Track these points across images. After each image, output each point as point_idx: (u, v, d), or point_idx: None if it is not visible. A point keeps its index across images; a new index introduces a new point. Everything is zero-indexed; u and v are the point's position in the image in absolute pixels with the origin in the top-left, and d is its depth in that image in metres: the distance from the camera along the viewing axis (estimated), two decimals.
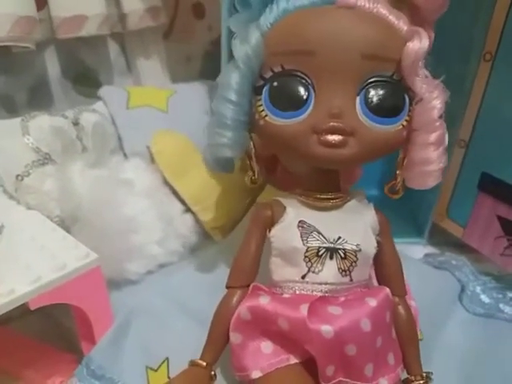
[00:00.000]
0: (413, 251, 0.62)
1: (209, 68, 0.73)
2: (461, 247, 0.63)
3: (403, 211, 0.69)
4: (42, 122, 0.50)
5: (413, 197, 0.69)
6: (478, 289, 0.57)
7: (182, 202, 0.56)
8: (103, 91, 0.60)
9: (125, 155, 0.58)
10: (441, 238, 0.66)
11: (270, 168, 0.53)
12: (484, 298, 0.56)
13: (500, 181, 0.56)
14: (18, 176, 0.48)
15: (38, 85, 0.58)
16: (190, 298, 0.49)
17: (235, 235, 0.55)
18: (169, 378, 0.42)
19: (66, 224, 0.48)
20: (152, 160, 0.57)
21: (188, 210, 0.56)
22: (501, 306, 0.54)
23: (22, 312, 0.47)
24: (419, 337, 0.42)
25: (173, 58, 0.70)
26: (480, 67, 0.55)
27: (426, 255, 0.63)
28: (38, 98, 0.58)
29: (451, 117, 0.57)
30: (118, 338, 0.45)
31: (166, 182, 0.56)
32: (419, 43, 0.34)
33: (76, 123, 0.53)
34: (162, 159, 0.55)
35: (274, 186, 0.53)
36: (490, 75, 0.55)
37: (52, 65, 0.59)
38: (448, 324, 0.51)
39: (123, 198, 0.49)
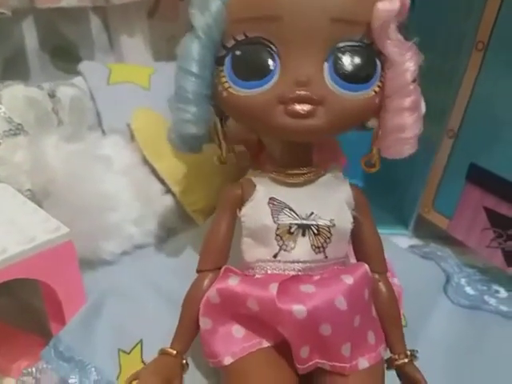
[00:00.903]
0: (398, 242, 0.61)
1: None
2: (446, 240, 0.62)
3: (389, 202, 0.68)
4: (15, 92, 0.48)
5: (398, 188, 0.68)
6: (463, 281, 0.56)
7: (162, 182, 0.54)
8: (83, 66, 0.58)
9: (103, 132, 0.56)
10: (426, 230, 0.65)
11: (253, 153, 0.51)
12: (469, 290, 0.55)
13: (488, 172, 0.55)
14: None
15: (14, 55, 0.56)
16: (166, 280, 0.47)
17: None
18: (142, 361, 0.40)
19: (37, 198, 0.45)
20: (132, 138, 0.55)
21: (168, 190, 0.54)
22: (485, 297, 0.54)
23: None
24: (403, 322, 0.40)
25: (156, 37, 0.68)
26: (472, 57, 0.54)
27: (411, 246, 0.62)
28: (14, 69, 0.56)
29: (441, 106, 0.58)
30: (90, 319, 0.42)
31: (146, 161, 0.54)
32: (389, 4, 0.32)
33: (52, 95, 0.50)
34: (142, 137, 0.53)
35: (256, 169, 0.51)
36: (482, 65, 0.54)
37: (30, 35, 0.57)
38: (433, 314, 0.50)
39: (100, 174, 0.47)
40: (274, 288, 0.33)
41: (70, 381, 0.39)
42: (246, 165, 0.54)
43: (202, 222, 0.55)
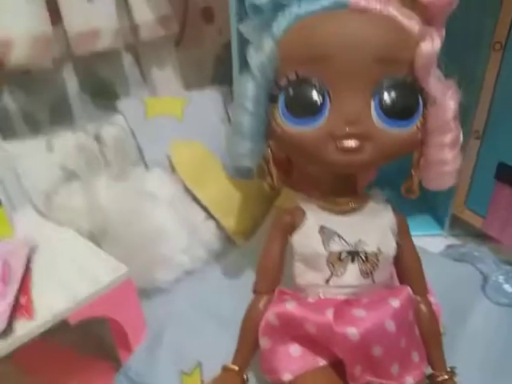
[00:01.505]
0: (434, 244, 0.62)
1: (220, 71, 0.73)
2: (482, 237, 0.63)
3: (422, 205, 0.69)
4: (65, 140, 0.52)
5: (431, 190, 0.69)
6: (501, 278, 0.57)
7: (204, 209, 0.57)
8: (121, 104, 0.61)
9: (146, 165, 0.59)
10: (461, 230, 0.66)
11: (286, 170, 0.54)
12: (507, 287, 0.56)
13: None
14: (46, 194, 0.50)
15: (58, 102, 0.60)
16: (218, 303, 0.51)
17: (257, 238, 0.57)
18: (202, 381, 0.44)
19: (96, 237, 0.49)
20: (172, 169, 0.58)
21: (210, 216, 0.57)
22: None
23: (61, 326, 0.50)
24: (441, 329, 0.42)
25: (185, 65, 0.70)
26: (491, 57, 0.55)
27: (448, 247, 0.63)
28: (59, 115, 0.60)
29: (464, 108, 0.58)
30: (153, 346, 0.46)
31: (188, 191, 0.57)
32: (431, 44, 0.34)
33: (98, 138, 0.54)
34: (182, 168, 0.57)
35: (290, 187, 0.53)
36: (501, 65, 0.55)
37: (70, 81, 0.60)
38: (472, 315, 0.51)
39: (148, 209, 0.51)
40: (330, 313, 0.35)
41: None
42: (279, 187, 0.56)
43: (242, 242, 0.58)
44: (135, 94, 0.66)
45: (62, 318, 0.39)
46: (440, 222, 0.67)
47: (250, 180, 0.58)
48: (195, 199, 0.57)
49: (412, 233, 0.62)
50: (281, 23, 0.35)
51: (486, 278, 0.56)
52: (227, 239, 0.58)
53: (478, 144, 0.60)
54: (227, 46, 0.73)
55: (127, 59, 0.65)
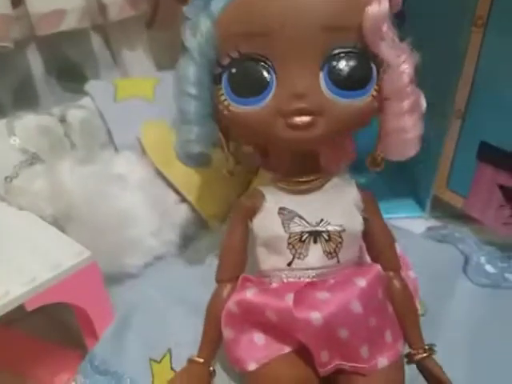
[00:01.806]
0: (415, 225, 0.61)
1: None
2: (463, 219, 0.62)
3: (403, 187, 0.68)
4: (27, 122, 0.50)
5: (412, 171, 0.68)
6: (483, 259, 0.56)
7: (176, 191, 0.55)
8: (89, 86, 0.59)
9: (115, 149, 0.57)
10: (443, 211, 0.65)
11: (262, 152, 0.52)
12: (489, 268, 0.55)
13: (499, 149, 0.55)
14: (6, 178, 0.48)
15: (23, 84, 0.57)
16: (189, 289, 0.48)
17: None
18: (172, 368, 0.42)
19: (60, 223, 0.47)
20: (143, 152, 0.56)
21: (183, 199, 0.55)
22: (506, 275, 0.54)
23: (24, 312, 0.48)
24: (420, 310, 0.41)
25: (156, 47, 0.68)
26: (472, 34, 0.53)
27: (429, 229, 0.62)
28: (24, 98, 0.58)
29: (446, 87, 0.57)
30: (120, 332, 0.44)
31: (159, 173, 0.55)
32: (378, 6, 0.32)
33: (63, 120, 0.52)
34: (153, 150, 0.55)
35: (267, 169, 0.52)
36: (483, 42, 0.53)
37: (35, 63, 0.58)
38: (454, 297, 0.50)
39: (116, 192, 0.49)
40: (289, 298, 0.33)
41: None
42: (255, 166, 0.55)
43: (217, 226, 0.56)
44: (105, 77, 0.64)
45: (18, 303, 0.37)
46: (421, 204, 0.66)
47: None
48: (167, 182, 0.55)
49: (393, 215, 0.62)
50: (219, 0, 0.33)
51: (467, 259, 0.55)
52: (201, 223, 0.56)
53: (459, 123, 0.59)
54: None
55: (96, 40, 0.63)
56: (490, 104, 0.54)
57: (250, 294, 0.35)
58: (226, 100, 0.34)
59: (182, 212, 0.54)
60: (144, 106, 0.59)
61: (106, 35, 0.64)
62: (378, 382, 0.35)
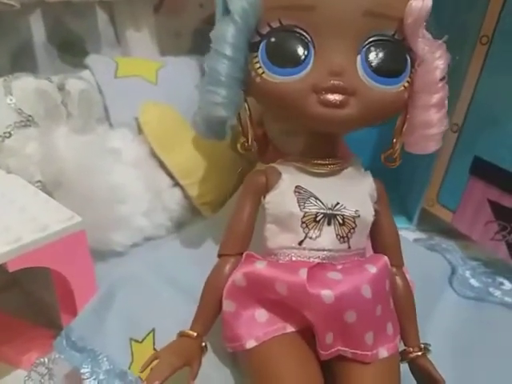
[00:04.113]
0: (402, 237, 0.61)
1: (198, 45, 0.71)
2: (450, 233, 0.63)
3: (393, 196, 0.67)
4: (25, 84, 0.48)
5: (403, 181, 0.69)
6: (468, 273, 0.56)
7: (170, 175, 0.54)
8: (90, 59, 0.58)
9: (110, 125, 0.55)
10: (430, 224, 0.65)
11: (260, 148, 0.52)
12: (473, 282, 0.55)
13: (492, 165, 0.56)
14: None
15: (22, 49, 0.56)
16: (177, 270, 0.47)
17: (225, 211, 0.54)
18: (154, 349, 0.40)
19: (48, 190, 0.45)
20: (139, 131, 0.55)
21: (176, 184, 0.54)
22: (490, 289, 0.54)
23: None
24: None
25: (162, 33, 0.68)
26: (476, 50, 0.55)
27: (415, 240, 0.62)
28: (22, 63, 0.56)
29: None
30: (101, 308, 0.42)
31: (154, 155, 0.54)
32: (422, 1, 0.33)
33: (61, 88, 0.50)
34: (151, 130, 0.53)
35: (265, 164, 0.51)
36: (486, 59, 0.55)
37: (38, 30, 0.56)
38: (439, 305, 0.50)
39: (109, 165, 0.47)
40: (303, 273, 0.33)
41: (82, 370, 0.38)
42: (253, 158, 0.54)
43: (210, 214, 0.55)
44: (107, 54, 0.62)
45: (1, 261, 0.35)
46: (409, 216, 0.67)
47: (221, 150, 0.55)
48: (161, 165, 0.54)
49: None
50: None
51: (453, 270, 0.56)
52: (193, 210, 0.55)
53: (455, 137, 0.60)
54: (207, 20, 0.71)
55: (102, 17, 0.62)
56: (487, 120, 0.56)
57: (261, 267, 0.34)
58: (260, 68, 0.34)
59: (175, 196, 0.53)
60: (145, 87, 0.58)
61: (112, 12, 0.63)
62: (377, 371, 0.34)
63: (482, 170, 0.57)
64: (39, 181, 0.46)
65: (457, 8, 0.56)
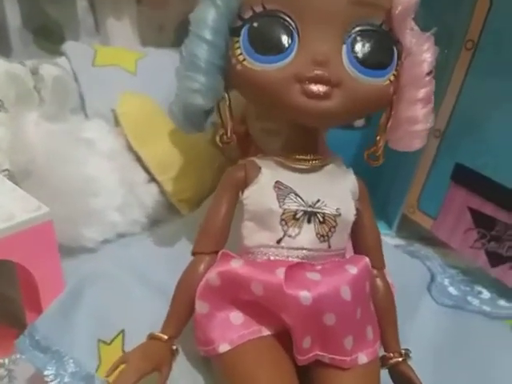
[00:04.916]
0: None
1: (181, 39, 0.69)
2: (429, 240, 0.62)
3: (373, 201, 0.67)
4: None
5: (383, 187, 0.68)
6: (446, 281, 0.56)
7: (147, 170, 0.52)
8: (67, 46, 0.55)
9: (86, 115, 0.53)
10: (410, 231, 0.64)
11: (242, 147, 0.50)
12: (452, 290, 0.55)
13: (474, 172, 0.55)
14: None
15: None
16: (150, 269, 0.45)
17: (203, 210, 0.52)
18: (123, 352, 0.38)
19: (16, 179, 0.43)
20: (116, 123, 0.53)
21: (152, 179, 0.52)
22: (469, 298, 0.54)
23: None
24: None
25: (145, 25, 0.66)
26: (461, 55, 0.55)
27: (395, 246, 0.61)
28: None
29: None
30: (68, 307, 0.40)
31: (130, 148, 0.52)
32: None
33: (35, 73, 0.48)
34: (128, 122, 0.51)
35: None
36: (471, 64, 0.54)
37: (12, 12, 0.54)
38: (418, 313, 0.49)
39: (82, 156, 0.45)
40: (281, 273, 0.31)
41: (45, 372, 0.36)
42: (234, 156, 0.53)
43: (187, 212, 0.53)
44: (85, 43, 0.60)
45: None
46: (388, 222, 0.66)
47: (199, 146, 0.53)
48: (138, 159, 0.52)
49: None
50: None
51: (432, 277, 0.55)
52: (170, 207, 0.53)
53: (437, 143, 0.59)
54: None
55: (81, 3, 0.60)
56: (470, 126, 0.55)
57: (237, 265, 0.33)
58: (241, 54, 0.32)
59: (151, 192, 0.51)
60: (124, 77, 0.56)
61: (91, 0, 0.61)
62: (357, 378, 0.32)
63: (464, 176, 0.57)
64: (6, 169, 0.43)
65: (442, 12, 0.55)
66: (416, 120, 0.35)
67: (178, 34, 0.71)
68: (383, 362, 0.36)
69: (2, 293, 0.44)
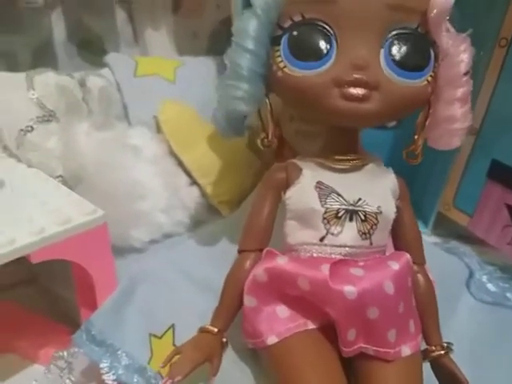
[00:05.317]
0: None
1: (215, 47, 0.71)
2: (466, 238, 0.62)
3: None
4: (47, 79, 0.48)
5: (418, 185, 0.68)
6: (485, 278, 0.56)
7: (188, 174, 0.54)
8: (110, 58, 0.58)
9: (129, 124, 0.56)
10: (446, 229, 0.64)
11: (276, 151, 0.51)
12: (490, 286, 0.55)
13: (510, 168, 0.55)
14: (21, 130, 0.45)
15: (43, 46, 0.56)
16: (194, 266, 0.47)
17: (242, 210, 0.54)
18: (174, 345, 0.40)
19: (69, 184, 0.45)
20: (158, 130, 0.55)
21: (194, 182, 0.54)
22: (508, 294, 0.54)
23: (19, 284, 0.45)
24: None
25: (180, 33, 0.68)
26: (495, 53, 0.55)
27: (432, 244, 0.61)
28: (42, 60, 0.56)
29: None
30: (121, 303, 0.42)
31: (172, 153, 0.54)
32: None
33: (83, 85, 0.50)
34: (170, 129, 0.54)
35: None
36: (505, 61, 0.54)
37: (58, 27, 0.57)
38: (456, 308, 0.50)
39: (129, 162, 0.47)
40: (326, 268, 0.32)
41: (101, 365, 0.38)
42: (269, 159, 0.54)
43: (227, 213, 0.55)
44: (125, 54, 0.63)
45: (24, 253, 0.35)
46: (424, 220, 0.66)
47: (239, 150, 0.55)
48: (179, 163, 0.54)
49: None
50: None
51: (471, 274, 0.55)
52: (211, 208, 0.55)
53: (472, 140, 0.59)
54: (224, 22, 0.71)
55: (120, 16, 0.63)
56: (505, 122, 0.55)
57: (283, 262, 0.34)
58: (282, 61, 0.34)
59: (192, 194, 0.53)
60: (164, 86, 0.58)
61: (130, 12, 0.64)
62: (400, 370, 0.33)
63: (500, 173, 0.56)
64: (60, 175, 0.46)
65: (475, 10, 0.56)
66: (455, 119, 0.35)
67: (211, 41, 0.73)
68: (425, 354, 0.37)
69: (57, 292, 0.47)
